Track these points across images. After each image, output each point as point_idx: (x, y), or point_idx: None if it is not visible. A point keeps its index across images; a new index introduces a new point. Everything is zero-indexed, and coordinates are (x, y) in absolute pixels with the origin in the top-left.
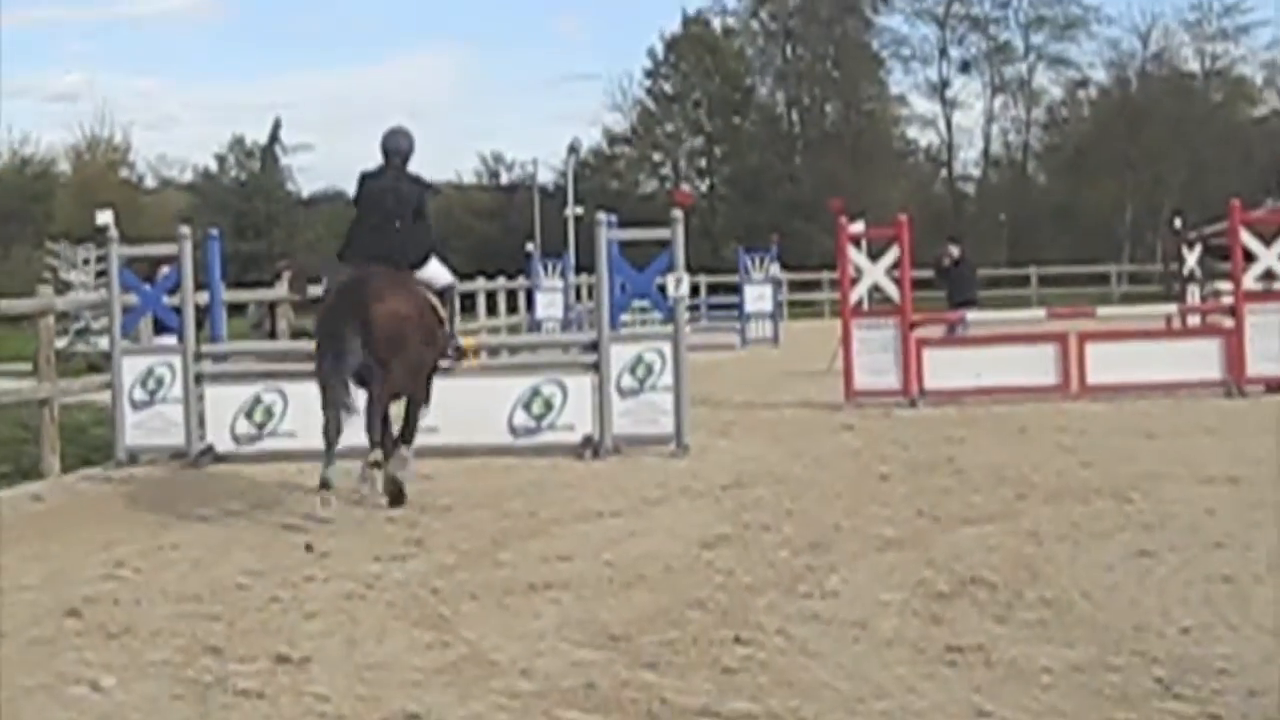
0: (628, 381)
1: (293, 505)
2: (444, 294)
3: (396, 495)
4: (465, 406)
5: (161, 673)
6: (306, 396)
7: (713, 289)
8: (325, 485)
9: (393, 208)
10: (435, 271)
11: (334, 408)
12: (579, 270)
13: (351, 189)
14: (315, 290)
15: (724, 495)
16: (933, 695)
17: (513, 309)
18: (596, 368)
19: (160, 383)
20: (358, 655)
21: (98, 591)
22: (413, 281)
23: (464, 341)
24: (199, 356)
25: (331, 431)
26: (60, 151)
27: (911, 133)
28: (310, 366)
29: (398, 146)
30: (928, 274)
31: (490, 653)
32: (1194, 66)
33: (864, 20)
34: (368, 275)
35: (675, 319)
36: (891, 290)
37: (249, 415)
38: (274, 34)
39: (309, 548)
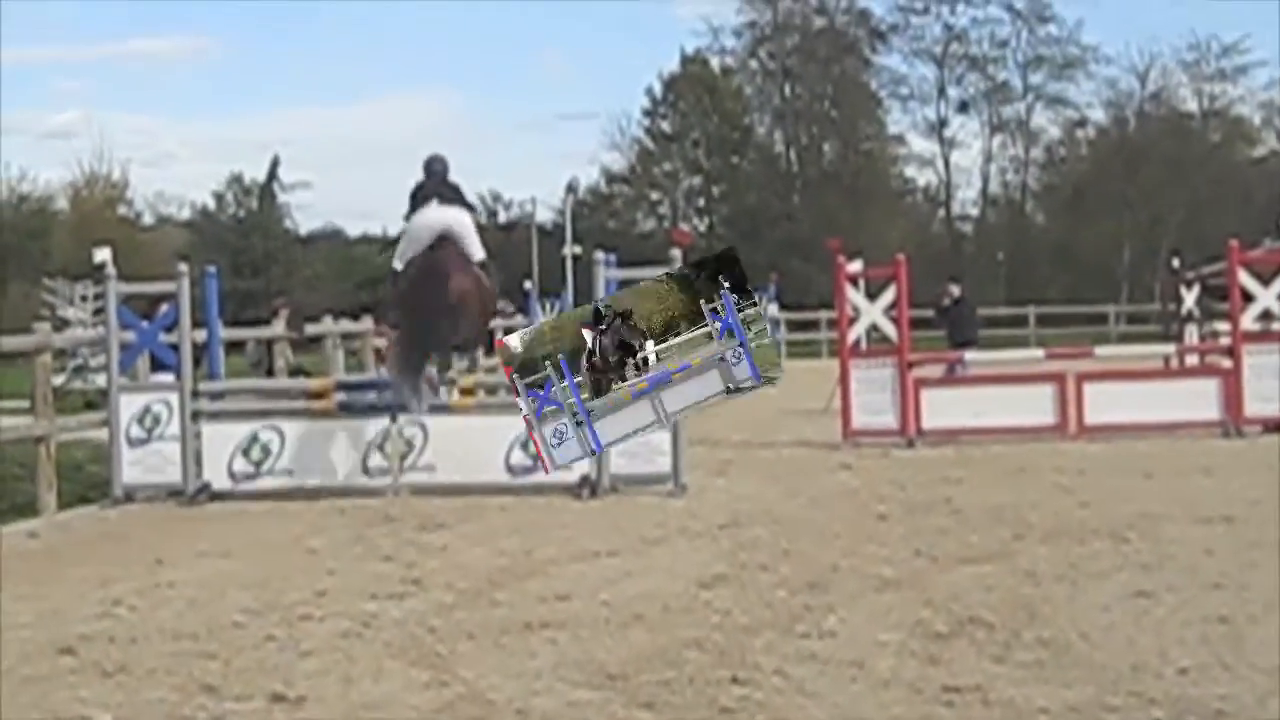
0: None
1: (289, 543)
2: (484, 265)
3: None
4: (463, 445)
5: (158, 711)
6: (304, 434)
7: None
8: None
9: (441, 184)
10: (474, 241)
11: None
12: (577, 308)
13: (351, 227)
14: (312, 329)
15: (721, 535)
16: None
17: None
18: None
19: (157, 420)
20: (354, 694)
21: (93, 630)
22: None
23: (463, 380)
24: (196, 394)
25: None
26: (58, 188)
27: (910, 172)
28: (306, 405)
29: (435, 169)
30: (926, 313)
31: (487, 692)
32: (1192, 106)
33: (862, 60)
34: (438, 258)
35: None
36: (889, 330)
37: (246, 453)
38: (272, 72)
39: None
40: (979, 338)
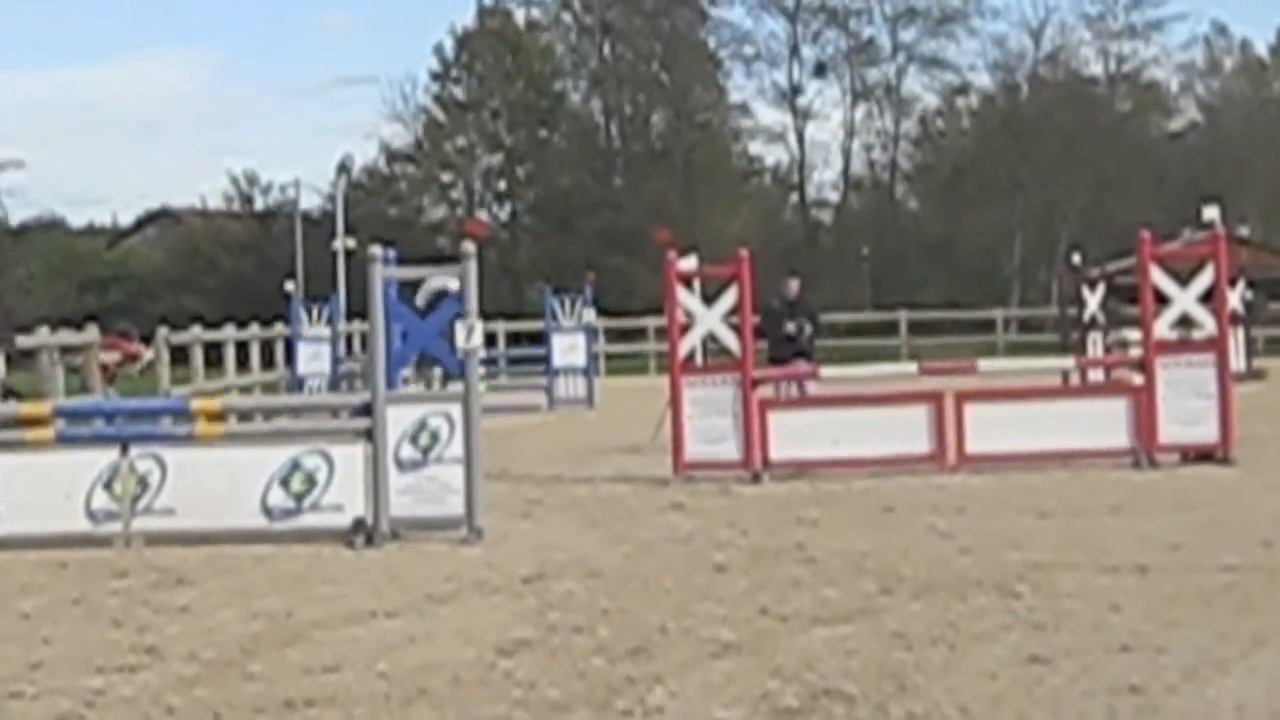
0: (408, 452)
1: None
2: None
3: None
4: (209, 483)
5: None
6: (14, 470)
7: (514, 338)
8: None
9: None
10: None
11: None
12: (350, 316)
13: (74, 216)
14: (24, 340)
15: (525, 590)
16: None
17: (269, 363)
18: (370, 436)
19: None
20: None
21: None
22: None
23: (206, 404)
24: None
25: None
26: None
27: (755, 149)
28: (17, 434)
29: None
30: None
31: None
32: (1096, 70)
33: (698, 13)
34: None
35: (466, 376)
36: (730, 341)
37: None
38: None
39: None
40: (814, 349)
